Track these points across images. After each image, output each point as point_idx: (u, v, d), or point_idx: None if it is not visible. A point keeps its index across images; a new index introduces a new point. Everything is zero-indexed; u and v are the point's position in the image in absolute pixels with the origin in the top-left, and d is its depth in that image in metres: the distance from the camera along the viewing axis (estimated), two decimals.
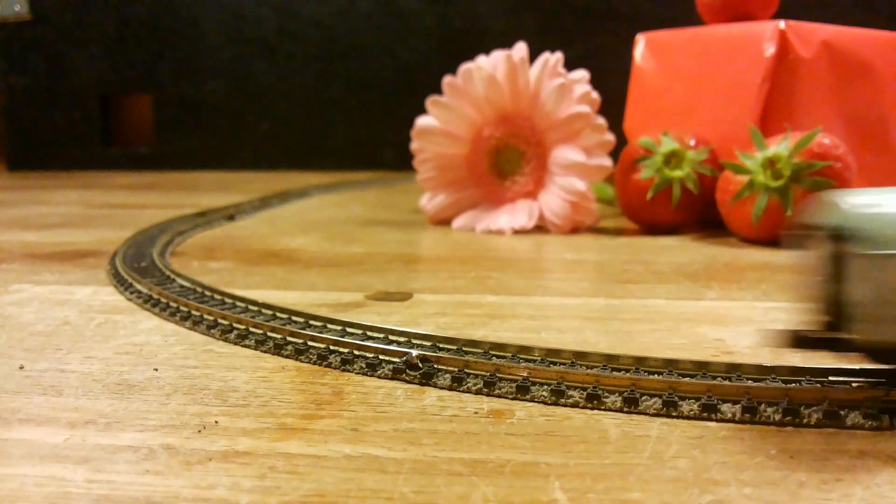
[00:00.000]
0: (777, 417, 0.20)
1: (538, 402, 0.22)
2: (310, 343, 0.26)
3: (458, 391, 0.23)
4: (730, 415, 0.20)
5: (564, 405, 0.21)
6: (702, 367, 0.23)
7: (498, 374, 0.23)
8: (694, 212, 0.53)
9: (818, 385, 0.22)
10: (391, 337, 0.27)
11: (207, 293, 0.33)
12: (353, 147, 1.14)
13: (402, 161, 0.86)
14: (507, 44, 0.56)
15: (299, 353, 0.26)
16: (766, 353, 0.26)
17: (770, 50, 0.51)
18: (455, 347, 0.25)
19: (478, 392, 0.23)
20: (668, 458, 0.18)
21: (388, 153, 1.12)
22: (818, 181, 0.45)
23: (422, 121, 0.57)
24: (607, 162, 0.53)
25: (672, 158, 0.52)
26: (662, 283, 0.37)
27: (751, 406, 0.20)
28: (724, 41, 0.55)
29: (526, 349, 0.25)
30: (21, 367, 0.25)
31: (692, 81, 0.57)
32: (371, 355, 0.25)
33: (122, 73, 1.17)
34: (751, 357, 0.26)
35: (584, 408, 0.21)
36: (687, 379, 0.22)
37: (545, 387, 0.22)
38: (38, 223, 0.60)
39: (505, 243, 0.50)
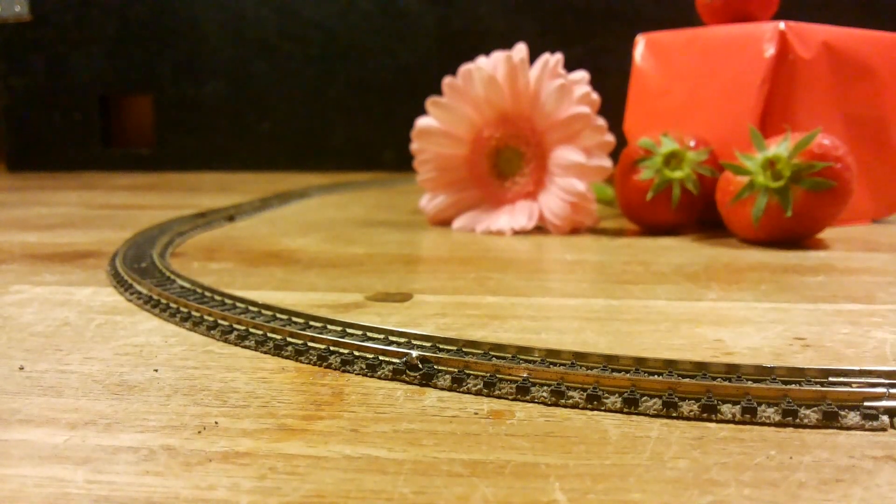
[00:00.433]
0: (777, 418, 0.20)
1: (538, 402, 0.22)
2: (310, 344, 0.26)
3: (458, 392, 0.23)
4: (729, 415, 0.20)
5: (564, 406, 0.21)
6: (701, 368, 0.23)
7: (498, 375, 0.23)
8: (694, 212, 0.53)
9: (818, 386, 0.22)
10: (391, 338, 0.27)
11: (207, 294, 0.33)
12: (353, 148, 1.14)
13: (402, 162, 0.87)
14: (507, 44, 0.56)
15: (299, 354, 0.26)
16: (766, 353, 0.26)
17: (770, 51, 0.51)
18: (455, 348, 0.25)
19: (478, 393, 0.23)
20: (668, 458, 0.18)
21: (388, 154, 1.12)
22: (818, 182, 0.45)
23: (422, 121, 0.57)
24: (607, 163, 0.53)
25: (672, 159, 0.52)
26: (662, 283, 0.37)
27: (750, 407, 0.20)
28: (725, 42, 0.55)
29: (526, 350, 0.25)
30: (21, 368, 0.25)
31: (692, 82, 0.57)
32: (371, 356, 0.25)
33: (122, 74, 1.17)
34: (750, 358, 0.26)
35: (583, 408, 0.21)
36: (687, 380, 0.22)
37: (545, 387, 0.22)
38: (38, 224, 0.60)
39: (505, 244, 0.50)
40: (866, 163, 0.53)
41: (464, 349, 0.25)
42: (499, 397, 0.22)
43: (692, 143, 0.52)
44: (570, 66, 0.54)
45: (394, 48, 1.12)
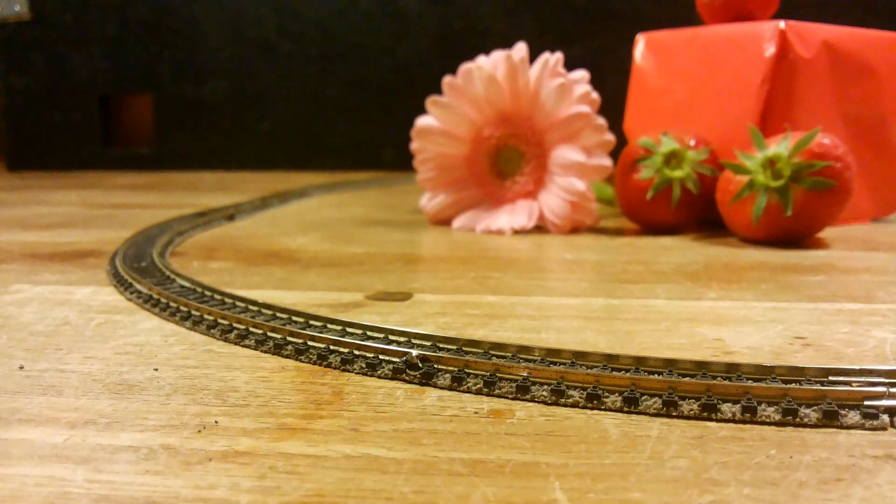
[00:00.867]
0: (777, 417, 0.20)
1: (538, 401, 0.22)
2: (310, 343, 0.26)
3: (458, 391, 0.23)
4: (729, 414, 0.20)
5: (564, 405, 0.21)
6: (701, 367, 0.23)
7: (498, 374, 0.23)
8: (694, 212, 0.53)
9: (818, 385, 0.22)
10: (391, 337, 0.27)
11: (207, 293, 0.33)
12: (353, 147, 1.14)
13: (402, 161, 0.87)
14: (507, 44, 0.56)
15: (299, 353, 0.26)
16: (766, 352, 0.26)
17: (770, 50, 0.51)
18: (455, 347, 0.25)
19: (478, 392, 0.23)
20: (668, 457, 0.18)
21: (388, 153, 1.12)
22: (818, 181, 0.45)
23: (422, 121, 0.57)
24: (607, 162, 0.53)
25: (672, 158, 0.52)
26: (662, 283, 0.37)
27: (750, 406, 0.20)
28: (725, 41, 0.55)
29: (526, 349, 0.25)
30: (21, 367, 0.25)
31: (692, 81, 0.57)
32: (371, 355, 0.25)
33: (122, 73, 1.17)
34: (750, 357, 0.26)
35: (584, 408, 0.21)
36: (687, 379, 0.22)
37: (545, 387, 0.22)
38: (38, 223, 0.60)
39: (505, 243, 0.50)
40: (866, 162, 0.53)
41: (464, 348, 0.25)
42: (499, 396, 0.22)
43: (692, 143, 0.52)
44: (570, 65, 0.54)
45: (394, 47, 1.12)
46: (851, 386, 0.21)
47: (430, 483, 0.17)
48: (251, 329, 0.28)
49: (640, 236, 0.52)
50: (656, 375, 0.22)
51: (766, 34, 0.51)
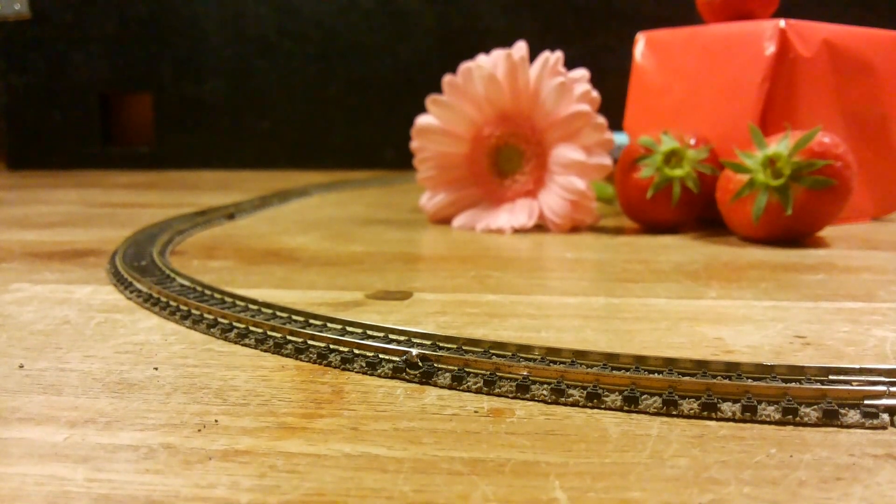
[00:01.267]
0: (777, 416, 0.20)
1: (538, 400, 0.22)
2: (310, 342, 0.26)
3: (458, 390, 0.23)
4: (730, 414, 0.20)
5: (564, 404, 0.21)
6: (701, 366, 0.23)
7: (498, 373, 0.23)
8: (694, 211, 0.53)
9: (818, 384, 0.22)
10: (391, 336, 0.27)
11: (207, 292, 0.33)
12: (353, 146, 1.14)
13: (402, 160, 0.87)
14: (507, 43, 0.56)
15: (299, 352, 0.26)
16: (766, 351, 0.26)
17: (770, 49, 0.51)
18: (455, 346, 0.25)
19: (478, 391, 0.23)
20: (668, 457, 0.18)
21: (388, 152, 1.12)
22: (818, 180, 0.45)
23: (422, 120, 0.57)
24: (607, 161, 0.53)
25: (672, 157, 0.52)
26: (662, 281, 0.37)
27: (751, 405, 0.20)
28: (725, 40, 0.55)
29: (526, 348, 0.25)
30: (21, 366, 0.25)
31: (692, 80, 0.57)
32: (371, 354, 0.25)
33: (122, 73, 1.17)
34: (750, 356, 0.26)
35: (584, 407, 0.21)
36: (687, 378, 0.22)
37: (545, 386, 0.22)
38: (38, 222, 0.60)
39: (505, 242, 0.50)
40: (866, 161, 0.53)
41: (464, 347, 0.25)
42: (499, 395, 0.22)
43: (692, 142, 0.52)
44: (570, 64, 0.54)
45: (394, 46, 1.12)
46: (851, 385, 0.21)
47: (430, 482, 0.17)
48: (251, 328, 0.28)
49: (641, 235, 0.52)
50: (656, 374, 0.22)
51: (766, 33, 0.51)
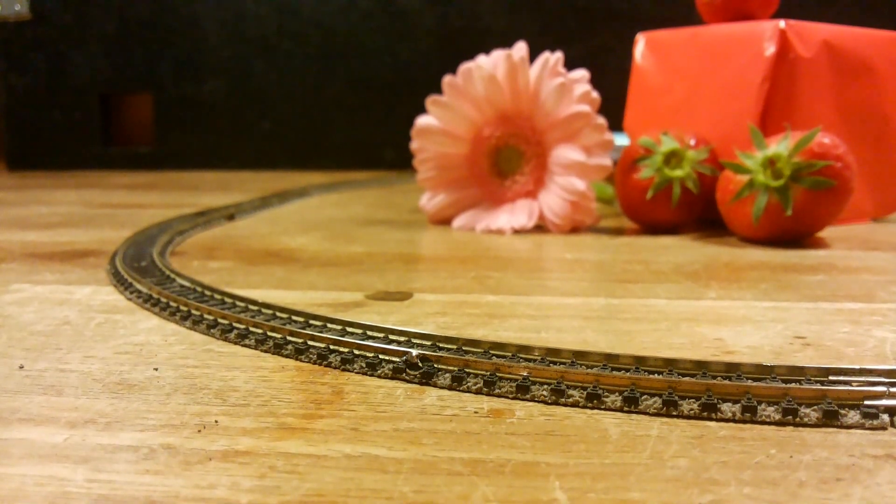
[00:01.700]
0: (777, 417, 0.20)
1: (538, 401, 0.22)
2: (310, 342, 0.26)
3: (458, 391, 0.23)
4: (729, 414, 0.20)
5: (564, 405, 0.21)
6: (701, 367, 0.23)
7: (498, 374, 0.23)
8: (694, 211, 0.53)
9: (818, 384, 0.22)
10: (391, 336, 0.27)
11: (207, 293, 0.33)
12: (353, 147, 1.14)
13: (402, 161, 0.87)
14: (508, 43, 0.56)
15: (299, 353, 0.26)
16: (766, 352, 0.26)
17: (770, 49, 0.51)
18: (455, 347, 0.25)
19: (478, 391, 0.23)
20: (668, 457, 0.18)
21: (388, 153, 1.12)
22: (818, 181, 0.45)
23: (422, 120, 0.57)
24: (607, 161, 0.53)
25: (672, 158, 0.52)
26: (662, 282, 0.37)
27: (750, 405, 0.20)
28: (725, 41, 0.55)
29: (526, 349, 0.25)
30: (21, 367, 0.25)
31: (692, 81, 0.57)
32: (371, 355, 0.25)
33: (123, 73, 1.17)
34: (750, 356, 0.26)
35: (584, 407, 0.21)
36: (687, 378, 0.22)
37: (545, 386, 0.22)
38: (38, 222, 0.60)
39: (505, 243, 0.50)
40: (866, 161, 0.53)
41: (464, 348, 0.25)
42: (499, 396, 0.22)
43: (692, 142, 0.52)
44: (570, 64, 0.54)
45: (394, 47, 1.12)
46: (851, 385, 0.21)
47: (430, 483, 0.17)
48: (251, 328, 0.28)
49: (640, 236, 0.52)
50: (656, 375, 0.22)
51: (766, 33, 0.51)
